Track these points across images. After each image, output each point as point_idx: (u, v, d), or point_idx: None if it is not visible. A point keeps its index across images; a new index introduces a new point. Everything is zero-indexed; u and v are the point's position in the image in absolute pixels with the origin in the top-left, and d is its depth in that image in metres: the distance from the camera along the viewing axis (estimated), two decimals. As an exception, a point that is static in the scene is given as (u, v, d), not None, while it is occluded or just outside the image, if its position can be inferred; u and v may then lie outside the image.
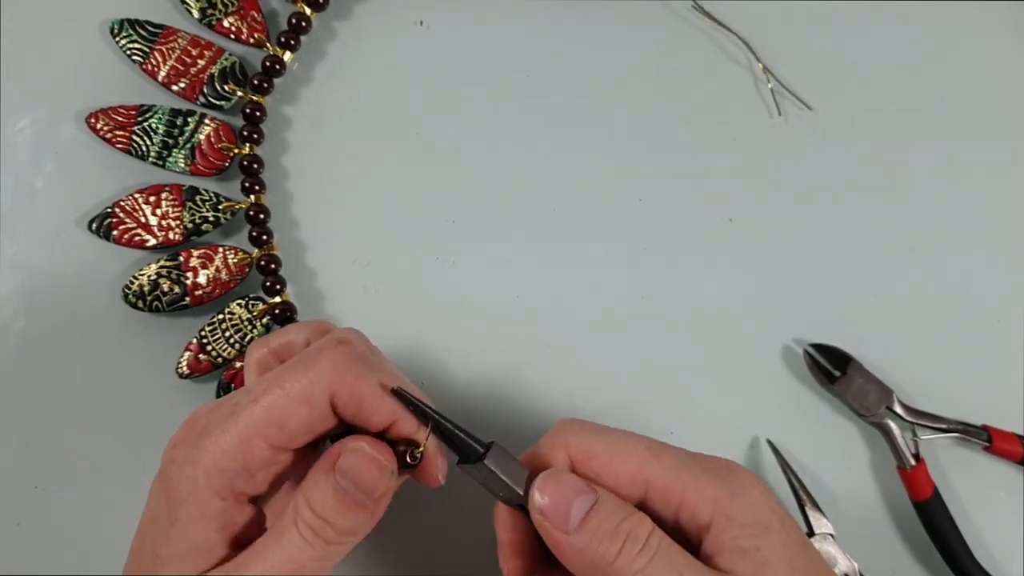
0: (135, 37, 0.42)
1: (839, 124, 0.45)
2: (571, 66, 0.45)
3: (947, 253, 0.44)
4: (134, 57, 0.42)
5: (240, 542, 0.29)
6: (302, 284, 0.43)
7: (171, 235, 0.41)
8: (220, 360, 0.40)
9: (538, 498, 0.28)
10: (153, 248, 0.41)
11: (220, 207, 0.41)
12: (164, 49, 0.42)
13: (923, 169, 0.45)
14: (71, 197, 0.42)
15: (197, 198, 0.41)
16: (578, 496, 0.28)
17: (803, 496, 0.40)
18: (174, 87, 0.42)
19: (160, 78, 0.42)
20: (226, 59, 0.42)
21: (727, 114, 0.44)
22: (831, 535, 0.40)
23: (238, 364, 0.41)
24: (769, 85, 0.44)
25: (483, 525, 0.41)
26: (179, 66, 0.42)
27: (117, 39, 0.42)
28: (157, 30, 0.42)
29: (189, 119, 0.41)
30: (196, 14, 0.42)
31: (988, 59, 0.45)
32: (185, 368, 0.40)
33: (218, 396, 0.41)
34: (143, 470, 0.41)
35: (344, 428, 0.30)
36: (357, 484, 0.29)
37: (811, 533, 0.40)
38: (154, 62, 0.41)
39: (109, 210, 0.41)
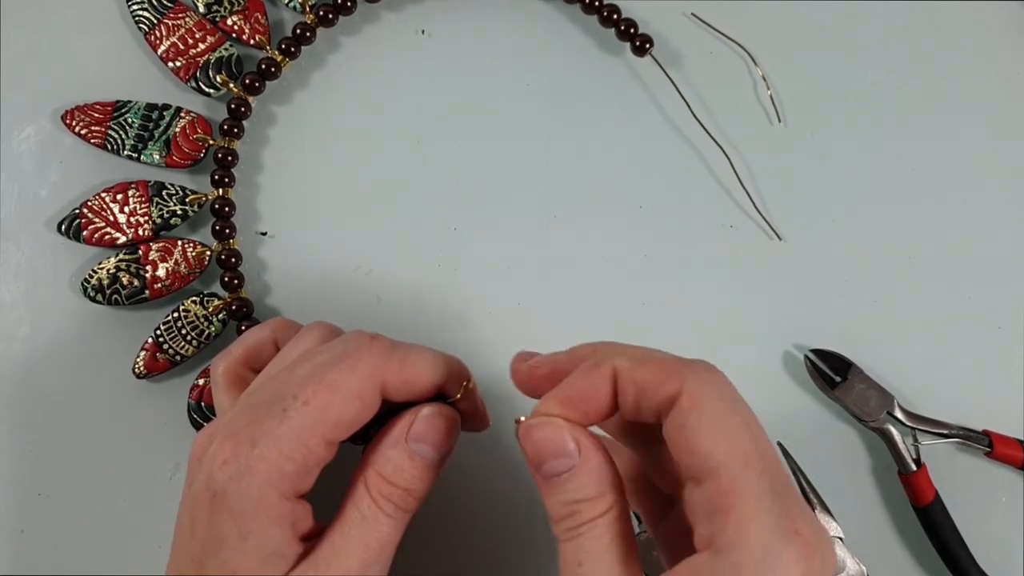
0: (146, 5, 0.42)
1: (839, 130, 0.45)
2: (571, 73, 0.45)
3: (947, 258, 0.44)
4: (141, 25, 0.42)
5: (307, 536, 0.30)
6: (302, 289, 0.43)
7: (140, 231, 0.41)
8: (178, 358, 0.41)
9: (530, 430, 0.29)
10: (124, 246, 0.41)
11: (187, 200, 0.41)
12: (171, 24, 0.42)
13: (922, 173, 0.45)
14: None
15: (164, 193, 0.41)
16: (555, 459, 0.29)
17: (813, 499, 0.40)
18: (170, 64, 0.42)
19: (160, 52, 0.42)
20: (225, 49, 0.42)
21: (727, 120, 0.44)
22: (840, 538, 0.40)
23: (201, 381, 0.41)
24: (769, 92, 0.45)
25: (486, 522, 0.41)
26: (180, 44, 0.42)
27: (130, 4, 0.42)
28: (169, 4, 0.42)
29: (165, 113, 0.42)
30: (202, 8, 0.42)
31: (988, 62, 0.46)
32: (142, 368, 0.40)
33: (190, 419, 0.41)
34: (144, 473, 0.41)
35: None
36: (433, 445, 0.31)
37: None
38: (158, 34, 0.42)
39: (77, 211, 0.41)
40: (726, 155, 0.44)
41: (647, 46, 0.43)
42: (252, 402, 0.31)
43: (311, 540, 0.31)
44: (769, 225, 0.44)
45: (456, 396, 0.32)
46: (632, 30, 0.43)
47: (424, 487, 0.31)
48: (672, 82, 0.44)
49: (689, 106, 0.44)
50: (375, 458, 0.31)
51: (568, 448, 0.28)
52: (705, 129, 0.44)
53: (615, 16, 0.43)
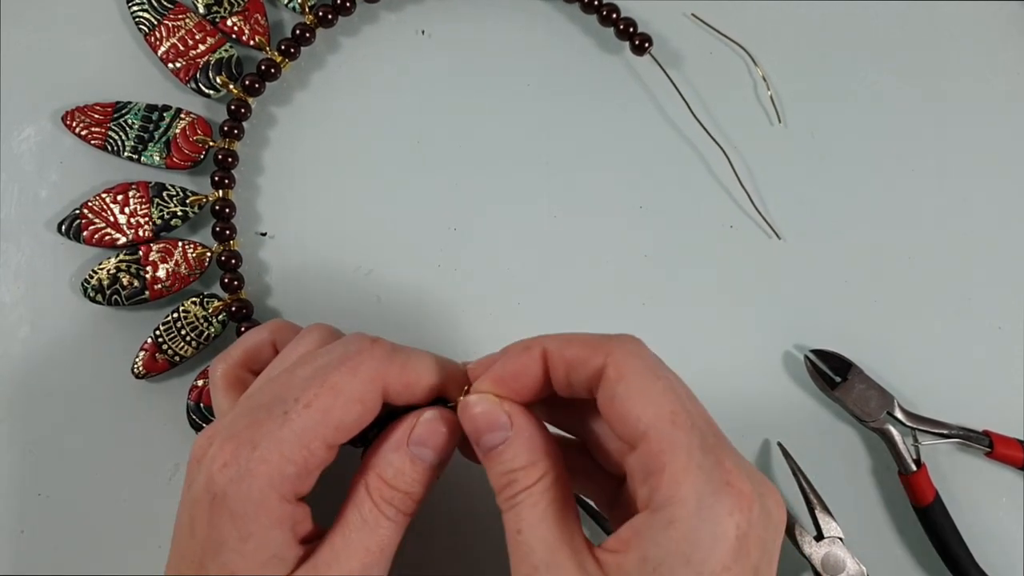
0: (147, 6, 0.42)
1: (839, 130, 0.45)
2: (571, 73, 0.45)
3: (947, 259, 0.44)
4: (140, 26, 0.42)
5: (306, 538, 0.31)
6: (302, 290, 0.43)
7: (141, 232, 0.41)
8: (177, 359, 0.41)
9: (467, 407, 0.31)
10: (124, 247, 0.41)
11: (188, 201, 0.41)
12: (171, 25, 0.42)
13: (922, 173, 0.45)
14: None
15: (164, 194, 0.41)
16: (491, 432, 0.30)
17: (813, 499, 0.40)
18: (170, 65, 0.42)
19: (160, 53, 0.42)
20: (225, 51, 0.42)
21: (727, 121, 0.44)
22: (840, 539, 0.40)
23: (200, 382, 0.41)
24: (769, 92, 0.45)
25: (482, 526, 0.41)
26: (180, 46, 0.42)
27: (130, 5, 0.42)
28: (170, 5, 0.42)
29: (165, 114, 0.42)
30: (202, 9, 0.42)
31: (988, 62, 0.46)
32: (141, 368, 0.40)
33: (189, 420, 0.41)
34: (144, 474, 0.41)
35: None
36: (434, 448, 0.31)
37: (820, 536, 0.40)
38: (158, 35, 0.42)
39: (77, 211, 0.41)
40: (726, 155, 0.44)
41: (646, 45, 0.43)
42: (252, 404, 0.31)
43: (310, 543, 0.31)
44: (769, 225, 0.44)
45: (457, 400, 0.32)
46: (631, 29, 0.43)
47: (424, 490, 0.32)
48: (671, 81, 0.44)
49: (688, 105, 0.44)
50: (376, 461, 0.31)
51: (501, 421, 0.30)
52: (704, 128, 0.44)
53: (614, 15, 0.43)
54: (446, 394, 0.33)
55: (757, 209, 0.44)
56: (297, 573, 0.29)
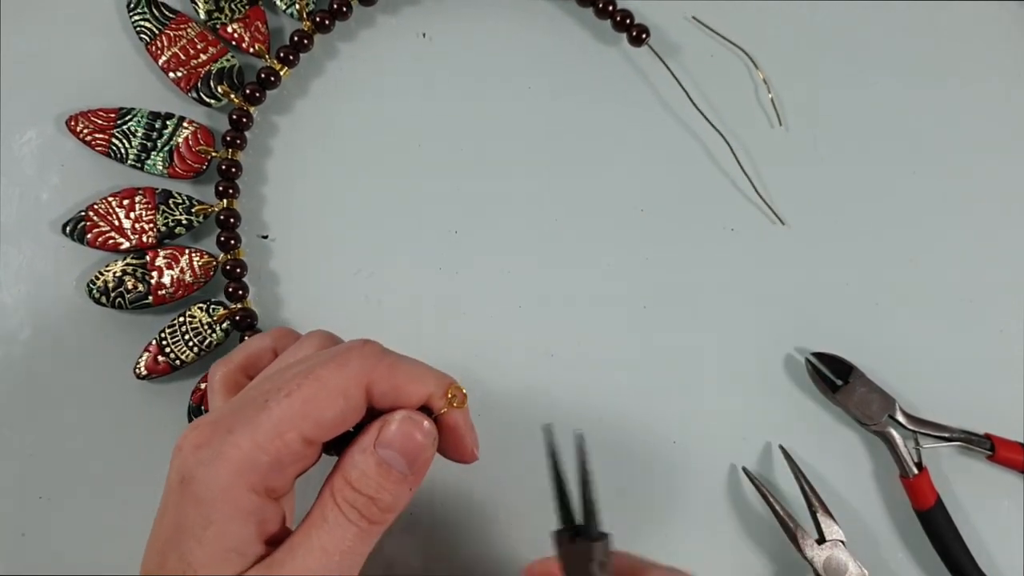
0: (148, 16, 0.42)
1: (840, 133, 0.45)
2: (572, 75, 0.45)
3: (949, 261, 0.44)
4: (142, 35, 0.42)
5: (273, 540, 0.29)
6: (304, 294, 0.43)
7: (144, 238, 0.41)
8: (179, 362, 0.41)
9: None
10: (127, 251, 0.41)
11: (193, 210, 0.42)
12: (172, 35, 0.42)
13: (924, 175, 0.45)
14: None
15: (171, 201, 0.41)
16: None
17: (814, 502, 0.40)
18: (171, 74, 0.42)
19: (161, 62, 0.42)
20: (227, 60, 0.42)
21: (728, 124, 0.44)
22: (841, 542, 0.40)
23: (203, 385, 0.41)
24: (770, 95, 0.45)
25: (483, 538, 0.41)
26: (181, 55, 0.42)
27: (131, 14, 0.42)
28: (171, 15, 0.42)
29: (168, 122, 0.42)
30: (203, 15, 0.42)
31: (989, 64, 0.46)
32: (143, 369, 0.40)
33: (190, 421, 0.40)
34: (145, 477, 0.41)
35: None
36: (402, 452, 0.30)
37: (822, 539, 0.40)
38: (159, 45, 0.42)
39: (83, 213, 0.41)
40: (728, 143, 0.43)
41: (644, 36, 0.43)
42: (241, 397, 0.30)
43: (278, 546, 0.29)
44: (773, 212, 0.44)
45: (441, 410, 0.31)
46: (628, 20, 0.43)
47: (392, 499, 0.30)
48: (671, 71, 0.43)
49: (688, 95, 0.43)
50: (343, 463, 0.30)
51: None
52: (705, 117, 0.44)
53: (610, 7, 0.43)
54: (432, 405, 0.31)
55: (760, 196, 0.43)
56: (251, 571, 0.28)
